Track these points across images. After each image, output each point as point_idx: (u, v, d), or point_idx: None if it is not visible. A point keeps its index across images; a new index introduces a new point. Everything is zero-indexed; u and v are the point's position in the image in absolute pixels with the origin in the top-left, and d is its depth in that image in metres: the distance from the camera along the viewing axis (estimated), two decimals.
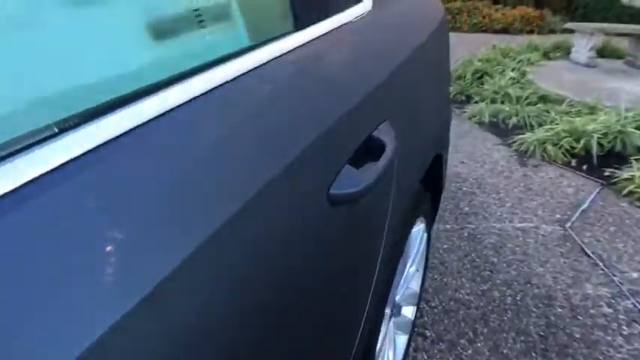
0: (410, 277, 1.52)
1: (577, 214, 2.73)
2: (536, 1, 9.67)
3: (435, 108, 1.38)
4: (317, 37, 0.82)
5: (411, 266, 1.49)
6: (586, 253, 2.37)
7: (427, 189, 1.49)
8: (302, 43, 0.77)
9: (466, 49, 6.62)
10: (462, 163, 3.33)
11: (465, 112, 4.35)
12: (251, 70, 0.61)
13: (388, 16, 1.11)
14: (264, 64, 0.64)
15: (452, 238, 2.47)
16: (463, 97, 4.80)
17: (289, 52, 0.71)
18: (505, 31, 8.77)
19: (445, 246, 2.41)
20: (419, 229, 1.48)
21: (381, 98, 0.89)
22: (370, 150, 0.78)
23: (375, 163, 0.77)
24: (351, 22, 0.94)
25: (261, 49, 0.65)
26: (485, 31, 8.81)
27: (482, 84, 4.99)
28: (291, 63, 0.70)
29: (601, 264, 2.29)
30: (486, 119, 4.11)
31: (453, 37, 7.64)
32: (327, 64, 0.79)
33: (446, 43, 1.71)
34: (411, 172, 1.12)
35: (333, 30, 0.86)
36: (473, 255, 2.34)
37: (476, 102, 4.56)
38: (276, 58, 0.67)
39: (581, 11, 9.29)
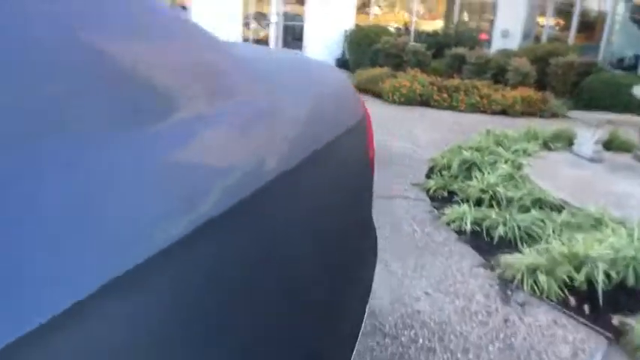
0: None
1: None
2: (538, 83, 9.17)
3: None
4: None
5: None
6: None
7: None
8: None
9: (459, 131, 6.01)
10: (426, 294, 2.55)
11: (443, 214, 3.61)
12: None
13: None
14: None
15: None
16: (445, 194, 4.08)
17: None
18: (504, 112, 8.20)
19: None
20: None
21: None
22: None
23: None
24: None
25: None
26: (483, 112, 8.23)
27: (469, 177, 4.29)
28: None
29: None
30: (468, 227, 3.36)
31: (448, 116, 6.92)
32: None
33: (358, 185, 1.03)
34: None
35: None
36: None
37: (458, 202, 3.83)
38: None
39: (586, 96, 8.74)
